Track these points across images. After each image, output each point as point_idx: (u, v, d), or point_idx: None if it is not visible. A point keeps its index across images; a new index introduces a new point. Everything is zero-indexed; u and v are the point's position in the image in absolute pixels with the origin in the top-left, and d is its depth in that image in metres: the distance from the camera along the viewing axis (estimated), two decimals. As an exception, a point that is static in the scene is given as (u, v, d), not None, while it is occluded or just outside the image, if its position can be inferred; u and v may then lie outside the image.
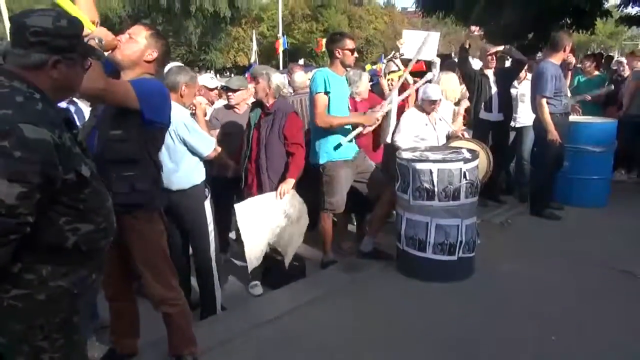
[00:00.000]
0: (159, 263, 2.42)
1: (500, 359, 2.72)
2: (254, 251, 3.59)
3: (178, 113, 2.89)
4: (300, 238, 3.83)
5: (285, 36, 23.89)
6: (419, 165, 3.52)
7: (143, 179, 2.30)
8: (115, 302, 2.62)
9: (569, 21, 11.26)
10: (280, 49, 21.35)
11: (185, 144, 3.03)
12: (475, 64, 5.74)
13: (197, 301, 3.30)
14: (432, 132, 4.45)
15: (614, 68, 7.78)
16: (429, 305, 3.25)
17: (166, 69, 3.15)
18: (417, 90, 4.55)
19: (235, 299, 3.60)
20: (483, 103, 5.31)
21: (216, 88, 5.10)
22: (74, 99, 2.99)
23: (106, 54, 2.22)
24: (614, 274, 3.66)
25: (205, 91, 4.76)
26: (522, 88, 5.51)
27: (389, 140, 4.41)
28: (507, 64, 6.43)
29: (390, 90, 4.52)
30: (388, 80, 5.04)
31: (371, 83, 4.84)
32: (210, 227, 3.21)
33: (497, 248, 4.20)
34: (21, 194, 1.35)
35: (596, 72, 6.97)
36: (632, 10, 12.04)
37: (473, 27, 5.51)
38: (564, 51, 4.89)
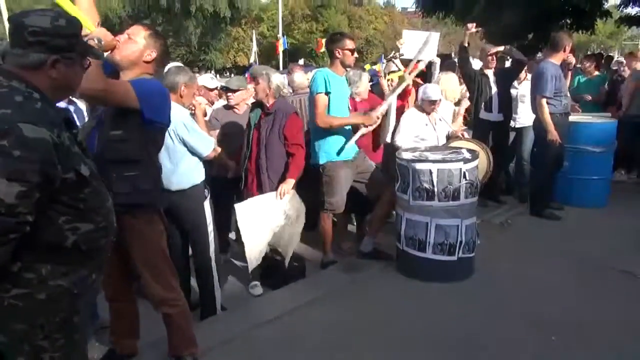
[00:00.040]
0: (159, 263, 2.42)
1: (500, 359, 2.72)
2: (254, 251, 3.59)
3: (177, 113, 2.88)
4: (298, 237, 3.83)
5: (285, 36, 23.87)
6: (418, 166, 3.52)
7: (145, 179, 2.30)
8: (115, 302, 2.62)
9: (569, 21, 11.28)
10: (280, 49, 21.33)
11: (184, 144, 3.03)
12: (475, 64, 5.73)
13: (197, 301, 3.30)
14: (432, 132, 4.45)
15: (614, 68, 7.79)
16: (429, 305, 3.25)
17: (165, 69, 3.15)
18: (417, 91, 4.54)
19: (235, 299, 3.60)
20: (483, 103, 5.30)
21: (216, 88, 5.10)
22: (73, 98, 2.99)
23: (105, 54, 2.22)
24: (614, 274, 3.66)
25: (205, 91, 4.76)
26: (522, 88, 5.50)
27: (388, 140, 4.41)
28: (507, 64, 6.43)
29: (390, 90, 4.51)
30: (388, 80, 5.04)
31: (371, 83, 4.83)
32: (210, 227, 3.20)
33: (497, 248, 4.19)
34: (20, 193, 1.35)
35: (596, 73, 6.97)
36: (632, 10, 12.09)
37: (470, 25, 5.44)
38: (564, 51, 4.88)
